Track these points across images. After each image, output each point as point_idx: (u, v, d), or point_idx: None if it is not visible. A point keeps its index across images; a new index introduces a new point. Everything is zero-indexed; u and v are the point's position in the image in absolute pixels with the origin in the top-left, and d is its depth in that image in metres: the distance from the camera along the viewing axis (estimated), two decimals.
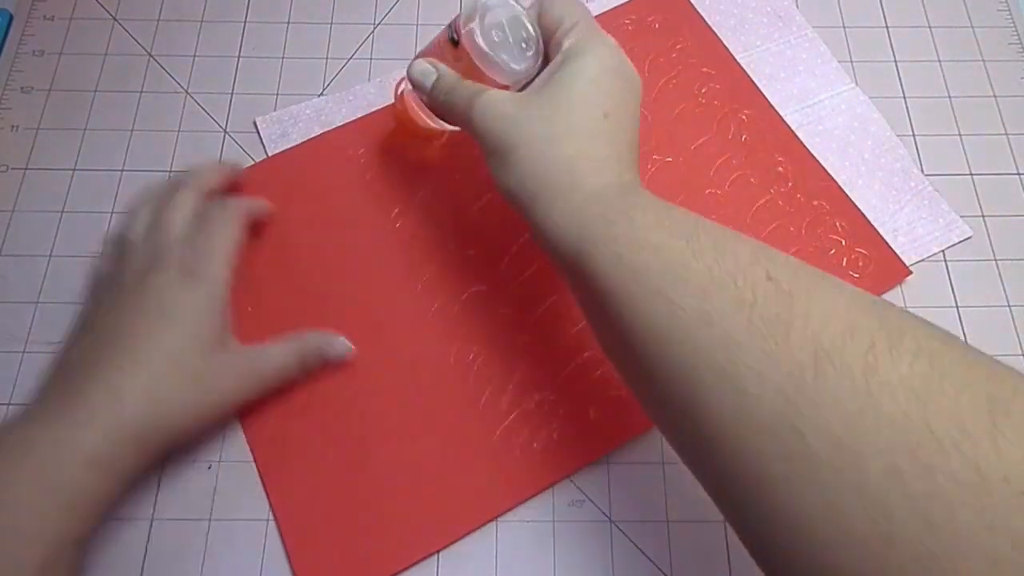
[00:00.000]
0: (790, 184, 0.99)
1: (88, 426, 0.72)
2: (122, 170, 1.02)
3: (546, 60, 0.78)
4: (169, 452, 0.81)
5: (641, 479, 0.87)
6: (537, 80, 0.76)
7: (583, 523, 0.85)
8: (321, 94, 1.07)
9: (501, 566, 0.83)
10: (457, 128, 0.82)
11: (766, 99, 1.05)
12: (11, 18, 1.11)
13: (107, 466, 0.72)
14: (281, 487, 0.84)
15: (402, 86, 0.92)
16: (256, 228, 0.95)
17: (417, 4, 1.14)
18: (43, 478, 0.69)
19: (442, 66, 0.81)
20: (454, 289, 0.93)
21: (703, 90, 1.05)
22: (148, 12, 1.13)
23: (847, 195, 0.99)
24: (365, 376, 0.89)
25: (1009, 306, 0.95)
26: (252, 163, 1.00)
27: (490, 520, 0.84)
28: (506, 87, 0.77)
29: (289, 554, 0.81)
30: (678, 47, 1.08)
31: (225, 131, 1.05)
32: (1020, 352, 0.93)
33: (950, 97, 1.07)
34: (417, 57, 0.85)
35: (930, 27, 1.12)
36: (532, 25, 0.78)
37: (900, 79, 1.08)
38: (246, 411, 0.86)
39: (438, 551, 0.82)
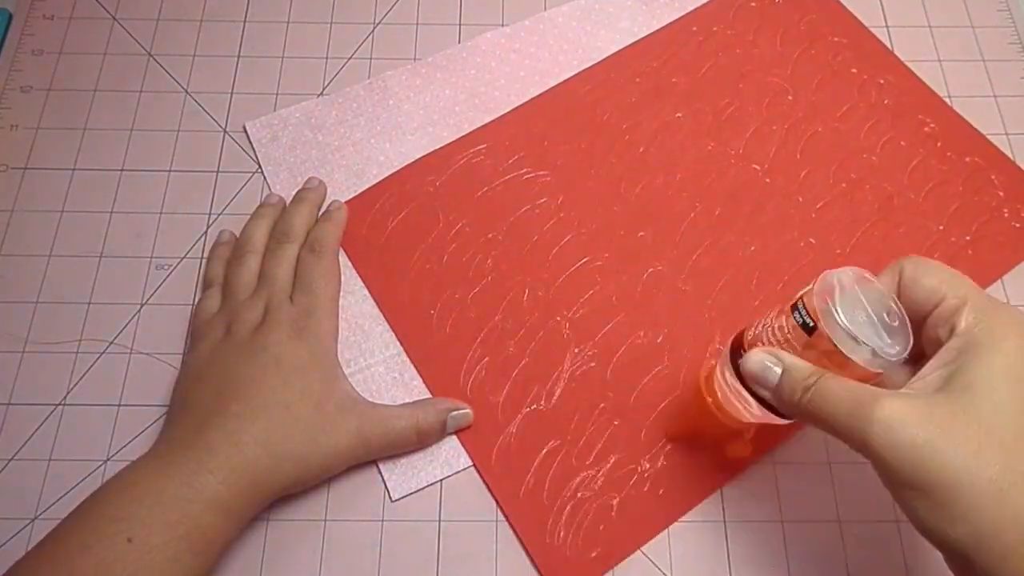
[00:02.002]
0: (939, 143, 1.00)
1: (210, 471, 0.73)
2: (121, 170, 1.00)
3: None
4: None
5: None
6: (931, 376, 0.62)
7: None
8: (321, 94, 1.05)
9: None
10: (783, 421, 0.71)
11: (902, 63, 1.06)
12: (11, 17, 1.09)
13: (227, 510, 0.74)
14: (506, 490, 0.85)
15: (716, 371, 0.76)
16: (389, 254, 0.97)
17: (417, 4, 1.12)
18: (174, 520, 0.71)
19: (787, 356, 0.66)
20: (633, 271, 0.94)
21: (838, 59, 1.06)
22: (148, 12, 1.11)
23: (999, 149, 1.00)
24: (556, 365, 0.90)
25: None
26: (349, 197, 0.99)
27: (718, 488, 0.85)
28: (868, 375, 0.64)
29: (530, 552, 0.82)
30: (806, 19, 1.09)
31: (225, 131, 1.03)
32: None
33: (950, 97, 1.05)
34: (739, 340, 0.72)
35: (930, 27, 1.11)
36: (893, 298, 0.66)
37: None
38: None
39: (667, 527, 0.84)
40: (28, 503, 0.84)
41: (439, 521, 0.84)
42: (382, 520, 0.84)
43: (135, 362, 0.91)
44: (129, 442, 0.87)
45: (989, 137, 1.02)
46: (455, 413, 0.85)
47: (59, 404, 0.88)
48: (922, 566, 0.82)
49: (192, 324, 0.90)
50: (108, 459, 0.86)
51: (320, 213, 0.97)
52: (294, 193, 0.97)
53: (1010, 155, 1.01)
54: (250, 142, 1.02)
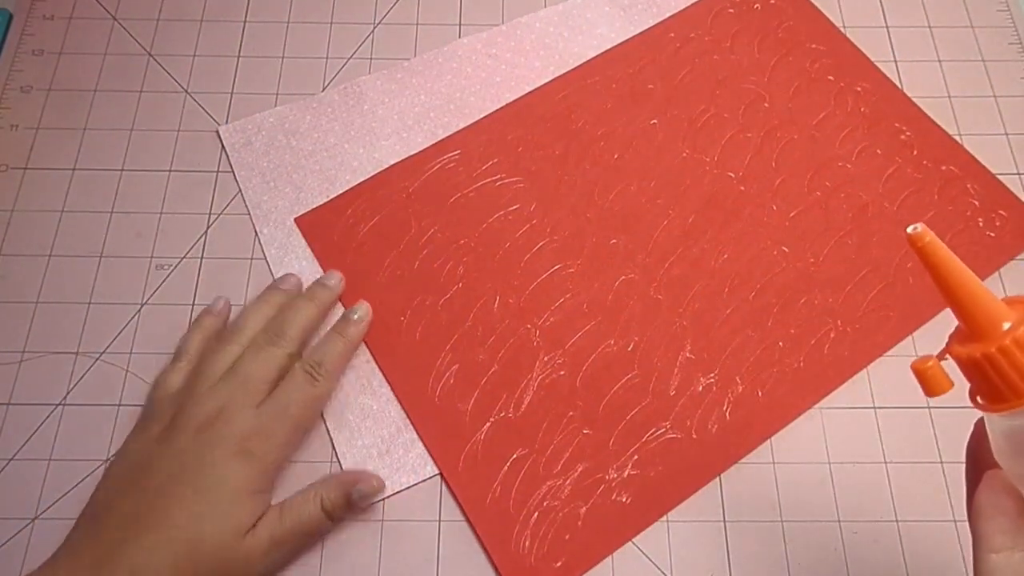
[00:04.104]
0: (915, 152, 1.00)
1: None
2: (122, 170, 1.01)
3: None
4: None
5: None
6: None
7: None
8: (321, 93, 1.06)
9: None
10: None
11: (879, 71, 1.06)
12: (11, 17, 1.10)
13: None
14: (472, 498, 0.85)
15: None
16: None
17: (417, 4, 1.12)
18: None
19: None
20: (605, 278, 0.94)
21: (815, 66, 1.06)
22: (148, 12, 1.11)
23: (975, 158, 1.00)
24: (526, 372, 0.90)
25: None
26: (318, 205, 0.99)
27: (681, 502, 0.85)
28: None
29: (494, 560, 0.82)
30: (784, 26, 1.09)
31: None
32: None
33: (950, 97, 1.04)
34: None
35: (930, 27, 1.10)
36: None
37: (900, 79, 1.06)
38: (424, 431, 0.88)
39: (631, 540, 0.84)
40: (28, 503, 0.85)
41: (439, 521, 0.84)
42: (382, 520, 0.84)
43: (135, 362, 0.91)
44: None
45: (989, 138, 1.01)
46: (360, 487, 0.81)
47: (59, 404, 0.89)
48: (922, 566, 0.82)
49: (149, 395, 0.87)
50: (108, 459, 0.86)
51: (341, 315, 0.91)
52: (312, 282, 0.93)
53: (1011, 156, 1.00)
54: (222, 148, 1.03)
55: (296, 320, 0.87)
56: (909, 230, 0.54)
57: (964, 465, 0.63)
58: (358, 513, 0.84)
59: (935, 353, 0.58)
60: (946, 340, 0.58)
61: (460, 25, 1.10)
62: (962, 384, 0.57)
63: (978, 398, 0.56)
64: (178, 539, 0.73)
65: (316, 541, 0.83)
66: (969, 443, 0.63)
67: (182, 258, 0.97)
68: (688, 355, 0.90)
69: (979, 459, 0.61)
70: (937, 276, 0.55)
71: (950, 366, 0.57)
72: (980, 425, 0.62)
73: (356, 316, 0.89)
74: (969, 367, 0.55)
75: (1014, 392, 0.53)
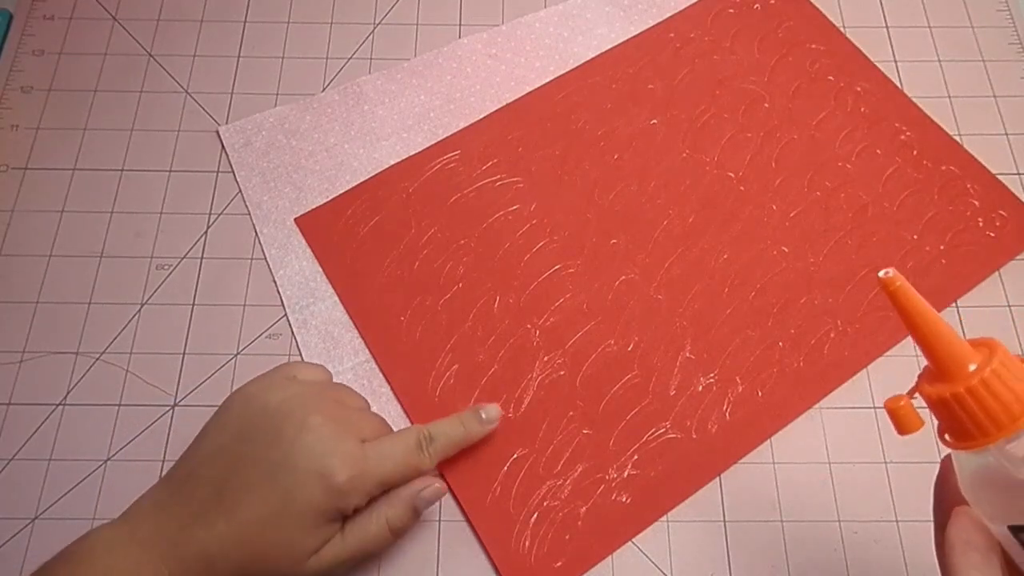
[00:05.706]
0: (915, 152, 1.00)
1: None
2: (122, 170, 1.01)
3: None
4: None
5: None
6: None
7: None
8: (322, 93, 1.06)
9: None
10: None
11: (879, 71, 1.06)
12: (11, 18, 1.10)
13: None
14: (473, 498, 0.85)
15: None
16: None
17: (417, 4, 1.12)
18: None
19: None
20: (605, 278, 0.94)
21: (815, 66, 1.06)
22: (148, 12, 1.11)
23: (975, 158, 1.00)
24: (526, 372, 0.90)
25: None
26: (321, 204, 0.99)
27: (681, 502, 0.85)
28: None
29: (494, 560, 0.82)
30: (784, 26, 1.09)
31: None
32: None
33: (950, 97, 1.04)
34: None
35: (930, 27, 1.09)
36: None
37: (900, 79, 1.06)
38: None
39: (631, 540, 0.83)
40: (28, 503, 0.84)
41: (439, 521, 0.84)
42: None
43: (135, 362, 0.91)
44: (129, 442, 0.87)
45: (989, 138, 1.01)
46: (424, 494, 0.78)
47: (59, 404, 0.89)
48: (922, 566, 0.82)
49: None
50: (108, 459, 0.86)
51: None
52: None
53: (1010, 156, 1.00)
54: (222, 147, 1.02)
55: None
56: (881, 274, 0.56)
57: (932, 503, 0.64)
58: (418, 519, 0.81)
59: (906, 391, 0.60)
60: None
61: (460, 25, 1.10)
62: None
63: (946, 436, 0.58)
64: (248, 541, 0.70)
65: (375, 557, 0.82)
66: (936, 480, 0.64)
67: (182, 258, 0.97)
68: (688, 355, 0.90)
69: (947, 496, 0.62)
70: (907, 319, 0.56)
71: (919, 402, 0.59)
72: (946, 463, 0.63)
73: (485, 416, 0.85)
74: (938, 406, 0.57)
75: (981, 431, 0.54)
